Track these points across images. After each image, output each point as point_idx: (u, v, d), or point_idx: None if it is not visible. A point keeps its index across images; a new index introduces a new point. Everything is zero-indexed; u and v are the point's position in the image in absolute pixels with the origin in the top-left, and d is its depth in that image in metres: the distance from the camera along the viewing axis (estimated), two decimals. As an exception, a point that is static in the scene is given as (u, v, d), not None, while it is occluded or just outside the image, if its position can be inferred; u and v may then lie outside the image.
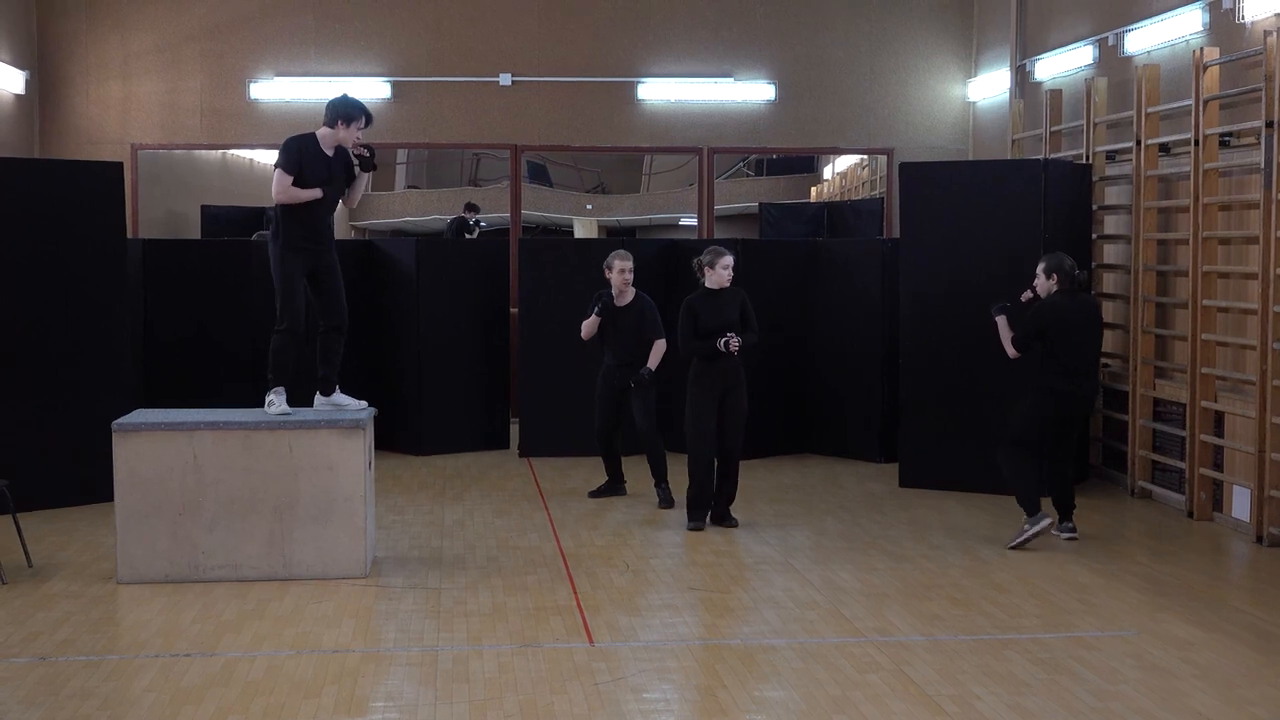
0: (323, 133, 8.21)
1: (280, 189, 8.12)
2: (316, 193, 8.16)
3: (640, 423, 10.13)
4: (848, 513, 9.97)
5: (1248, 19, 9.63)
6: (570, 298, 12.27)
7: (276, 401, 8.17)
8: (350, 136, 8.22)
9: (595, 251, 12.85)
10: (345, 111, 8.17)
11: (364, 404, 8.54)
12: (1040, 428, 9.07)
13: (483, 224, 15.97)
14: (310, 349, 8.51)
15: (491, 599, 7.60)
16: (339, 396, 8.48)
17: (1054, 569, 8.32)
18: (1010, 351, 9.19)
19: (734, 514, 9.49)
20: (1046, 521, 8.83)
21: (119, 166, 10.61)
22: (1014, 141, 13.27)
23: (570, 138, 14.93)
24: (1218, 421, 9.71)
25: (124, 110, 14.38)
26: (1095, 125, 11.37)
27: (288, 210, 8.17)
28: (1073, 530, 9.10)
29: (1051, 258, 9.16)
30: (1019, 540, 8.80)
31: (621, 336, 10.25)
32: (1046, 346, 9.02)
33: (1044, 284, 9.14)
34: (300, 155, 8.13)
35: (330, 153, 8.21)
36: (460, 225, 16.13)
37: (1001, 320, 9.23)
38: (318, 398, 8.47)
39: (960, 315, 10.63)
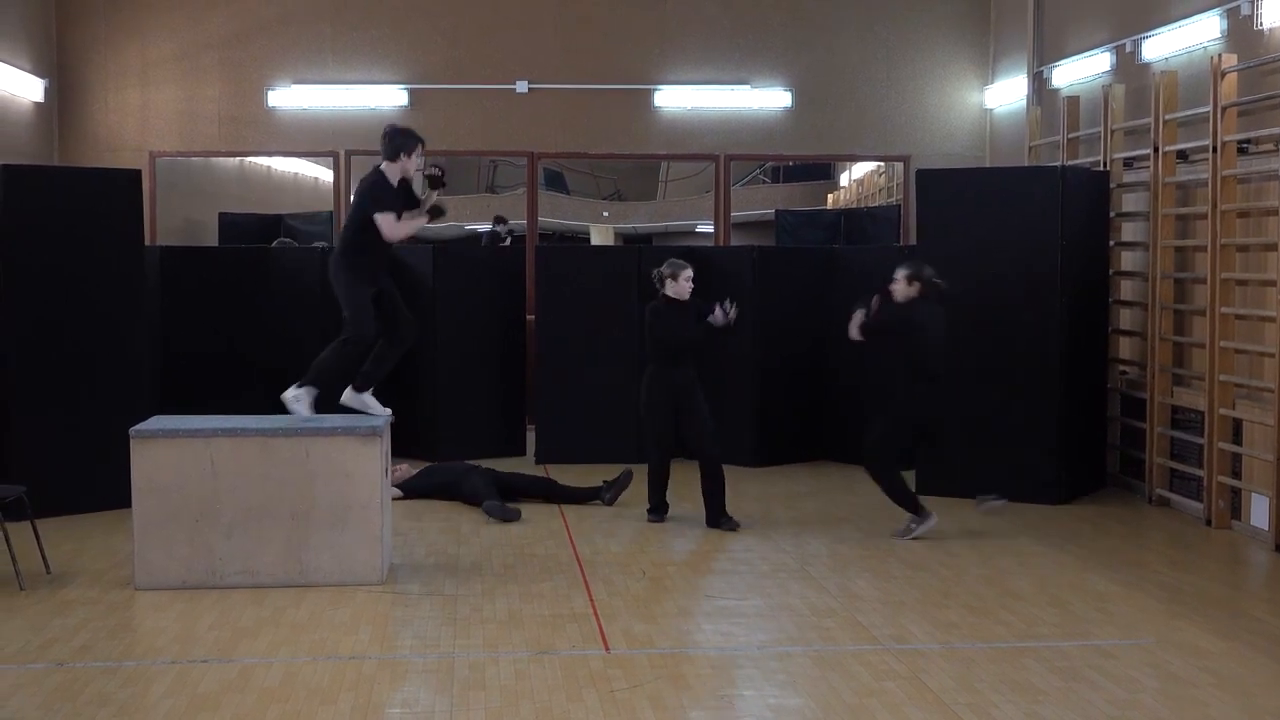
0: (387, 167, 8.36)
1: (391, 231, 8.24)
2: (422, 220, 8.41)
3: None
4: (864, 520, 9.95)
5: (1266, 25, 9.59)
6: (587, 304, 12.29)
7: (304, 398, 8.28)
8: (412, 165, 8.41)
9: (611, 258, 12.88)
10: (404, 143, 8.35)
11: (389, 412, 8.57)
12: (905, 432, 9.37)
13: (515, 232, 15.91)
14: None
15: (508, 606, 7.60)
16: (368, 398, 8.50)
17: (1072, 577, 8.29)
18: (854, 334, 9.30)
19: (733, 517, 9.61)
20: (934, 520, 9.23)
21: (137, 174, 10.65)
22: (1031, 148, 13.24)
23: (587, 145, 14.94)
24: (1236, 429, 9.68)
25: (142, 118, 14.44)
26: (1113, 132, 11.34)
27: (356, 237, 8.33)
28: (998, 497, 9.52)
29: (913, 264, 9.37)
30: (908, 535, 9.19)
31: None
32: (904, 352, 9.22)
33: (903, 289, 9.29)
34: (387, 194, 8.30)
35: (395, 184, 8.38)
36: (493, 238, 16.14)
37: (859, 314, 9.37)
38: (348, 391, 8.48)
39: (979, 322, 10.61)
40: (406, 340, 8.62)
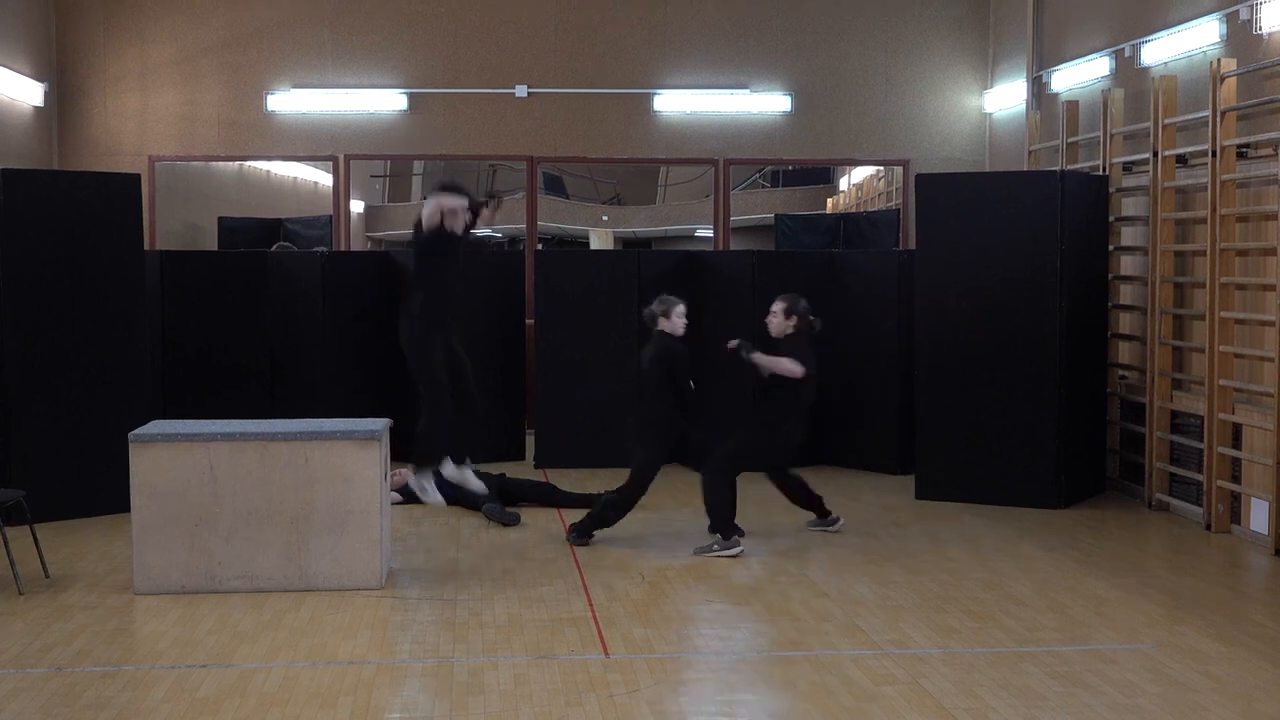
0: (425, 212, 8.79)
1: (441, 202, 8.63)
2: (462, 200, 8.70)
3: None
4: (864, 525, 9.95)
5: (1265, 30, 9.61)
6: (586, 309, 12.29)
7: (429, 489, 8.76)
8: (459, 216, 8.73)
9: (611, 263, 12.88)
10: (455, 191, 8.79)
11: (483, 486, 9.23)
12: (757, 458, 9.27)
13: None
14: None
15: (507, 610, 7.60)
16: (467, 471, 9.07)
17: (1071, 582, 8.29)
18: (799, 370, 9.09)
19: (740, 525, 9.40)
20: (740, 549, 8.91)
21: (136, 178, 10.65)
22: (1030, 153, 13.26)
23: (586, 149, 14.95)
24: (1235, 434, 9.68)
25: (141, 122, 14.45)
26: (1112, 136, 11.35)
27: (426, 287, 8.72)
28: (836, 519, 9.64)
29: (790, 298, 9.24)
30: (709, 554, 8.89)
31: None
32: (776, 386, 9.14)
33: (780, 323, 9.21)
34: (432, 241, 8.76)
35: (456, 231, 8.79)
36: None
37: (760, 357, 9.15)
38: (449, 465, 8.97)
39: (977, 327, 10.63)
40: (473, 411, 9.13)
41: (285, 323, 12.37)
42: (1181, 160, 10.46)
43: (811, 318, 9.30)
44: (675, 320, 9.23)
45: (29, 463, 9.64)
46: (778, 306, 9.26)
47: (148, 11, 14.40)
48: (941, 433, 10.79)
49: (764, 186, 17.96)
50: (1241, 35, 9.90)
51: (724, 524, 9.00)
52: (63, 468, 9.86)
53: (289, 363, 12.36)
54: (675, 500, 10.20)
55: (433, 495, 8.89)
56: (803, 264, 12.72)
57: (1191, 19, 10.57)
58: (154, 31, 14.43)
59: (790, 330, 9.23)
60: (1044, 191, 10.54)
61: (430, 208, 8.72)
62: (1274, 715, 5.97)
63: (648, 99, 14.77)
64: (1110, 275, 11.35)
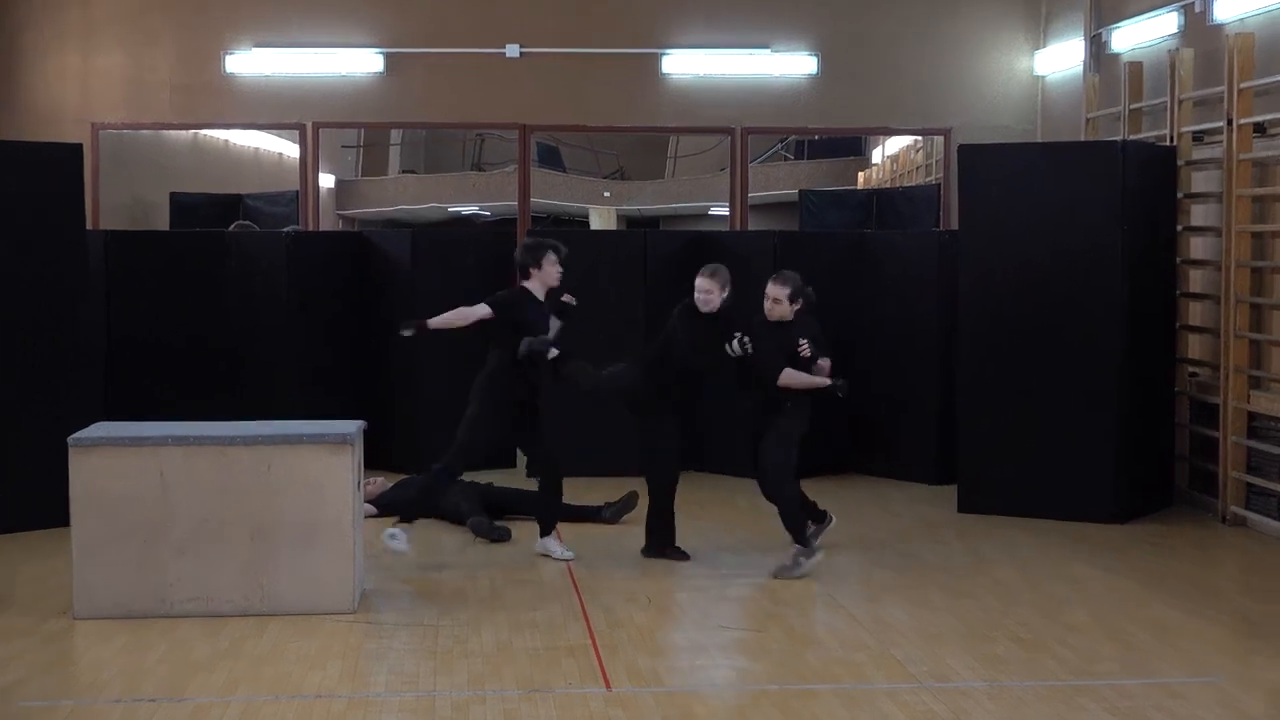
0: (529, 284, 9.24)
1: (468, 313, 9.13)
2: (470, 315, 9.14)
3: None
4: (899, 541, 9.95)
5: (1355, -19, 9.58)
6: (584, 296, 12.25)
7: (400, 536, 8.95)
8: (552, 273, 9.21)
9: (613, 244, 12.85)
10: (534, 254, 9.20)
11: (572, 554, 9.31)
12: (797, 448, 9.20)
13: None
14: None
15: (495, 638, 7.59)
16: (549, 542, 9.41)
17: (1133, 606, 8.27)
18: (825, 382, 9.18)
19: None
20: (820, 557, 8.96)
21: (78, 149, 10.64)
22: (1088, 121, 13.24)
23: (586, 117, 14.94)
24: (1321, 439, 9.66)
25: (84, 86, 14.45)
26: (1180, 102, 11.32)
27: (505, 343, 9.10)
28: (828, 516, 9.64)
29: (792, 280, 9.11)
30: (794, 574, 8.80)
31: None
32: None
33: (786, 309, 9.11)
34: (516, 307, 9.19)
35: (542, 298, 9.24)
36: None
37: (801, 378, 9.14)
38: (538, 541, 9.46)
39: (1028, 317, 10.60)
40: (551, 467, 9.46)
41: (245, 310, 12.36)
42: (1260, 129, 10.43)
43: (808, 288, 9.22)
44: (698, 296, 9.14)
45: (-44, 469, 9.64)
46: (781, 292, 9.10)
47: (91, -39, 14.42)
48: (987, 438, 10.76)
49: (787, 159, 17.98)
50: (1328, -13, 9.86)
51: (802, 534, 9.02)
52: (-5, 475, 9.87)
53: (249, 353, 12.34)
54: (685, 514, 10.17)
55: (400, 544, 8.98)
56: (830, 246, 12.70)
57: (1271, -31, 10.54)
58: (98, -17, 14.44)
59: (790, 315, 9.14)
60: (1103, 165, 10.53)
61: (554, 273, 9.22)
62: (1365, 758, 5.95)
63: (655, 60, 14.76)
64: (1178, 259, 11.32)
